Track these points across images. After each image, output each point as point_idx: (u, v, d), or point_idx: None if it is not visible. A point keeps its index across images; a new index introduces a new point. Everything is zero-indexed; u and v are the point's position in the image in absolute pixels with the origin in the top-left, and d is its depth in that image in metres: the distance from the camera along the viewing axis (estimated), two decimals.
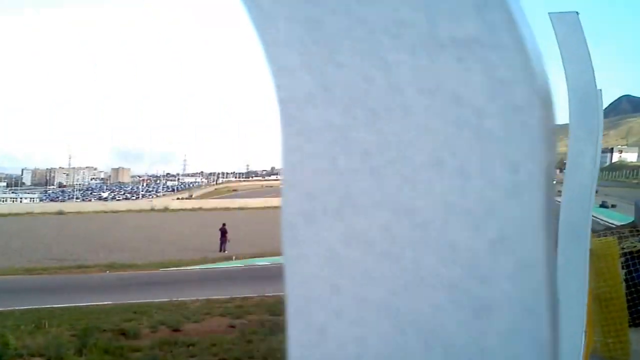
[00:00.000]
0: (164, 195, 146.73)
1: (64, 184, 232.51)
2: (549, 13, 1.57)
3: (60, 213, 79.91)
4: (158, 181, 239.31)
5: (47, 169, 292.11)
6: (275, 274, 32.10)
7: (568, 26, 1.56)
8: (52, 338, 16.64)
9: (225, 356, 15.41)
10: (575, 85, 1.58)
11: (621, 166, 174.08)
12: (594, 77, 1.57)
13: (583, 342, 1.56)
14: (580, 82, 1.57)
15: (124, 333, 17.95)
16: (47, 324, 18.56)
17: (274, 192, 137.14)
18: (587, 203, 1.56)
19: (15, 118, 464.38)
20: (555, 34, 1.57)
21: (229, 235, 41.30)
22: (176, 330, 18.73)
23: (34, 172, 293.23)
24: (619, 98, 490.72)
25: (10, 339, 16.04)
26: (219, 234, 41.67)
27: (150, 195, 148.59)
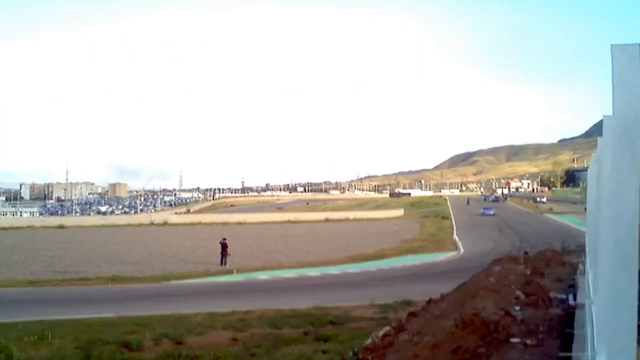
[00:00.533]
0: (162, 209, 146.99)
1: (62, 198, 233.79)
2: (611, 45, 1.67)
3: (61, 227, 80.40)
4: (155, 196, 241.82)
5: (45, 183, 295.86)
6: (276, 288, 32.34)
7: (628, 57, 1.66)
8: (55, 350, 16.73)
9: None
10: (621, 115, 1.65)
11: None
12: None
13: None
14: (627, 112, 1.65)
15: (127, 345, 18.02)
16: (50, 335, 18.62)
17: (270, 207, 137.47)
18: (632, 235, 1.63)
19: (13, 133, 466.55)
20: (612, 65, 1.67)
21: (229, 249, 41.35)
22: (179, 343, 18.79)
23: (32, 187, 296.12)
24: (602, 119, 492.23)
25: (14, 351, 16.07)
26: (219, 247, 41.74)
27: (148, 209, 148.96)
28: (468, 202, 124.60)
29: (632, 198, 1.65)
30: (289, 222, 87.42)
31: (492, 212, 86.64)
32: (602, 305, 3.11)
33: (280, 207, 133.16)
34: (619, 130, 1.69)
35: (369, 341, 15.47)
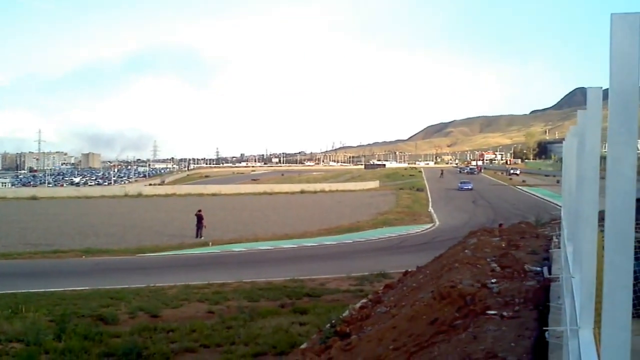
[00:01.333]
0: (136, 180, 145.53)
1: (35, 168, 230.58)
2: (611, 14, 1.60)
3: (34, 198, 79.57)
4: (129, 167, 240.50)
5: (17, 153, 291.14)
6: (251, 260, 32.36)
7: (628, 27, 1.60)
8: (30, 323, 16.53)
9: (205, 342, 15.47)
10: (618, 88, 1.59)
11: None
12: (638, 81, 1.58)
13: None
14: (624, 85, 1.59)
15: (102, 319, 17.96)
16: (24, 309, 18.47)
17: (245, 178, 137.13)
18: (630, 210, 1.58)
19: None
20: (611, 35, 1.61)
21: (205, 221, 41.21)
22: (155, 316, 18.77)
23: (4, 157, 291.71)
24: (573, 90, 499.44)
25: None
26: (194, 219, 41.57)
27: (122, 180, 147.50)
28: (442, 174, 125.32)
29: (629, 174, 1.63)
30: (265, 193, 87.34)
31: (469, 187, 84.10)
32: (588, 281, 3.15)
33: (255, 179, 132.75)
34: (616, 103, 1.64)
35: (346, 313, 15.57)
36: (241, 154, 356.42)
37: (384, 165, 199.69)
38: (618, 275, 1.64)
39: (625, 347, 1.65)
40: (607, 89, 1.85)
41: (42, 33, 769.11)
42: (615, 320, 1.64)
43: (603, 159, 2.93)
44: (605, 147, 1.99)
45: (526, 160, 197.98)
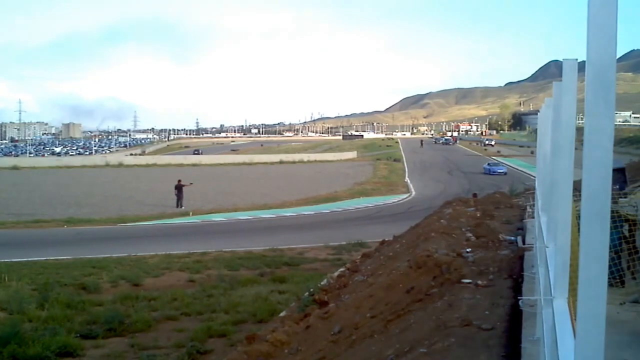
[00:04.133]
0: (116, 150, 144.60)
1: (16, 138, 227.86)
2: None
3: (15, 168, 79.53)
4: (110, 137, 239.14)
5: None
6: (231, 230, 32.52)
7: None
8: (13, 292, 16.61)
9: (186, 310, 15.68)
10: (595, 59, 1.60)
11: None
12: (616, 50, 1.62)
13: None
14: (601, 56, 1.64)
15: (84, 287, 18.10)
16: (7, 278, 18.50)
17: (224, 149, 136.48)
18: (607, 181, 1.63)
19: None
20: (589, 6, 1.63)
21: (184, 191, 41.18)
22: (136, 285, 18.94)
23: None
24: (547, 63, 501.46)
25: None
26: (174, 190, 41.53)
27: (103, 150, 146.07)
28: (422, 144, 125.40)
29: (607, 145, 1.63)
30: (244, 164, 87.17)
31: (502, 171, 61.50)
32: (563, 250, 3.22)
33: (235, 149, 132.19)
34: (593, 74, 1.64)
35: (324, 282, 15.84)
36: (221, 125, 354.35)
37: (362, 136, 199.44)
38: (594, 245, 1.65)
39: (601, 316, 1.65)
40: (583, 61, 1.83)
41: (21, 2, 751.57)
42: (591, 290, 1.65)
43: (578, 130, 3.09)
44: (580, 119, 2.06)
45: (501, 132, 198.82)
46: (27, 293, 16.86)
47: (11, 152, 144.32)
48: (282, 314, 13.61)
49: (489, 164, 67.95)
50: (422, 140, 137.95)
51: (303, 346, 9.75)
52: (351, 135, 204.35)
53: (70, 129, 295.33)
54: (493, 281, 8.13)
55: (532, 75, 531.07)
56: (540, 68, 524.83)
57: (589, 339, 1.67)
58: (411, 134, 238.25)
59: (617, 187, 9.08)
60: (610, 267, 7.13)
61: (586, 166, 1.66)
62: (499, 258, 9.53)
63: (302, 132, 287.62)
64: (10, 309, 15.03)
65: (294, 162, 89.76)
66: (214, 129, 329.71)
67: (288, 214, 38.36)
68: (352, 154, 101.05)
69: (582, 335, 1.68)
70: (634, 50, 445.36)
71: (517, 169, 65.77)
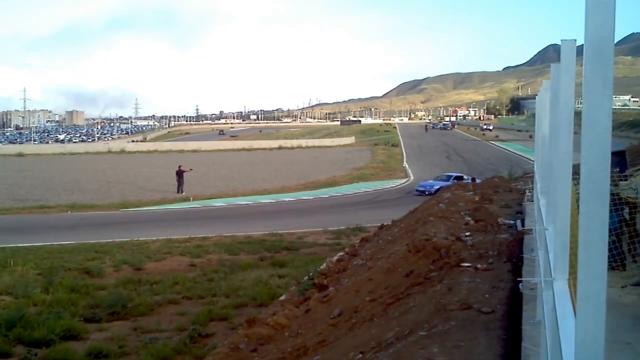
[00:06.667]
0: (119, 137, 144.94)
1: (21, 126, 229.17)
2: None
3: (21, 155, 79.98)
4: (112, 124, 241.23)
5: (3, 111, 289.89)
6: (231, 215, 32.61)
7: None
8: (18, 276, 16.91)
9: (188, 294, 15.86)
10: (593, 37, 1.64)
11: None
12: (614, 29, 1.64)
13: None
14: (600, 33, 1.64)
15: (88, 272, 18.31)
16: (12, 262, 18.74)
17: (224, 135, 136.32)
18: (606, 159, 1.65)
19: None
20: None
21: (185, 177, 41.24)
22: (138, 269, 19.14)
23: None
24: (546, 47, 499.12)
25: None
26: (175, 175, 41.61)
27: (105, 137, 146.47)
28: (426, 129, 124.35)
29: (605, 124, 1.62)
30: (243, 149, 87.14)
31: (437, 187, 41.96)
32: (562, 232, 3.23)
33: (234, 135, 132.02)
34: (591, 52, 1.62)
35: (323, 266, 15.95)
36: (220, 111, 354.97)
37: (360, 121, 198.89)
38: (593, 225, 1.64)
39: (601, 297, 1.64)
40: (582, 44, 1.82)
41: None
42: (591, 271, 1.64)
43: (576, 115, 3.01)
44: (579, 102, 2.09)
45: (499, 116, 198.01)
46: (32, 277, 17.17)
47: (16, 139, 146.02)
48: (282, 298, 13.76)
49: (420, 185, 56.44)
50: (426, 125, 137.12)
51: (303, 329, 9.87)
52: (349, 120, 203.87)
53: (73, 116, 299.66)
54: (492, 264, 8.16)
55: (531, 59, 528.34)
56: (539, 52, 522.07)
57: (589, 318, 1.67)
58: (409, 119, 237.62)
59: (618, 169, 9.08)
60: (611, 250, 7.05)
61: (585, 144, 1.66)
62: (498, 241, 9.56)
63: (300, 118, 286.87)
64: (16, 293, 15.29)
65: (292, 148, 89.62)
66: (214, 116, 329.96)
67: (287, 199, 38.43)
68: (350, 140, 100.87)
69: (582, 314, 1.68)
70: (633, 33, 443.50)
71: (516, 153, 65.81)
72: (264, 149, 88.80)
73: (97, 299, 14.96)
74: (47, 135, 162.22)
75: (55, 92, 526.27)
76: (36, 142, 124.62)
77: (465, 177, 39.17)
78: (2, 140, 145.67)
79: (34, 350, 11.55)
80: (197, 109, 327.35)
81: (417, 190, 38.04)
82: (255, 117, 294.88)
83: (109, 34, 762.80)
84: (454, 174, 41.06)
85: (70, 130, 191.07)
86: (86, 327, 13.01)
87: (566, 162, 3.32)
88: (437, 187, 35.45)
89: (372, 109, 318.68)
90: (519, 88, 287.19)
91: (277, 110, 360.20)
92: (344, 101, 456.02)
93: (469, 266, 8.21)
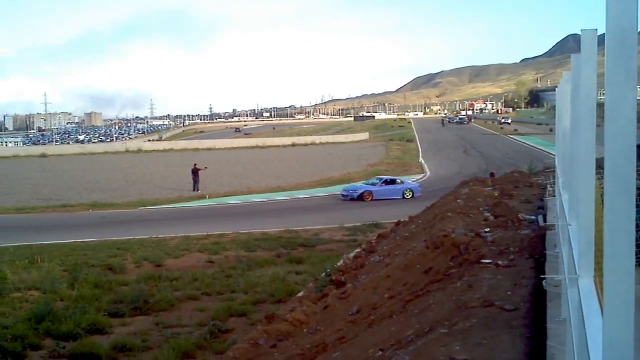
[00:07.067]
0: (135, 137, 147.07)
1: (43, 128, 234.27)
2: None
3: (43, 155, 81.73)
4: (129, 124, 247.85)
5: (26, 114, 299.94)
6: (247, 212, 32.75)
7: None
8: (45, 272, 17.40)
9: (207, 290, 16.03)
10: (615, 26, 1.58)
11: None
12: (637, 17, 1.58)
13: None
14: (622, 22, 1.59)
15: (110, 268, 18.72)
16: (39, 259, 19.32)
17: (238, 133, 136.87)
18: (631, 151, 1.59)
19: None
20: None
21: (200, 175, 41.44)
22: (158, 265, 19.46)
23: (15, 118, 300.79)
24: (565, 37, 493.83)
25: (8, 274, 16.65)
26: (191, 174, 41.85)
27: (122, 137, 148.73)
28: (443, 123, 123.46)
29: (629, 117, 1.57)
30: (257, 147, 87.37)
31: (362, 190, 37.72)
32: (586, 227, 3.16)
33: (248, 133, 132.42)
34: (613, 41, 1.57)
35: (340, 262, 15.93)
36: (233, 110, 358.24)
37: (373, 117, 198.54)
38: (619, 220, 1.59)
39: (629, 295, 1.59)
40: (603, 34, 1.76)
41: (42, 3, 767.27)
42: (617, 268, 1.60)
43: (599, 106, 2.91)
44: (601, 94, 2.02)
45: (517, 109, 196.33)
46: (58, 273, 17.61)
47: (39, 140, 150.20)
48: (299, 294, 13.78)
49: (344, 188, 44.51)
50: (443, 119, 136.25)
51: (322, 326, 9.86)
52: (362, 116, 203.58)
53: (92, 117, 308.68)
54: (514, 261, 8.01)
55: (549, 50, 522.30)
56: (558, 42, 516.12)
57: (617, 316, 1.62)
58: (423, 113, 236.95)
59: None
60: (638, 246, 6.91)
61: (608, 138, 1.60)
62: (519, 238, 9.38)
63: (313, 114, 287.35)
64: (44, 288, 15.77)
65: (306, 145, 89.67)
66: (227, 114, 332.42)
67: (302, 196, 38.48)
68: (364, 135, 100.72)
69: (609, 313, 1.64)
70: None
71: (535, 147, 65.14)
72: (278, 146, 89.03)
73: (120, 295, 15.30)
74: (68, 136, 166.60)
75: (74, 95, 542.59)
76: (58, 143, 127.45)
77: (398, 179, 37.78)
78: (26, 141, 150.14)
79: (62, 343, 11.81)
80: (210, 108, 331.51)
81: (342, 195, 36.10)
82: (268, 114, 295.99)
83: (124, 39, 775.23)
84: (385, 178, 38.85)
85: (89, 131, 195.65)
86: (110, 321, 13.32)
87: (589, 155, 3.24)
88: (361, 191, 34.96)
89: (386, 104, 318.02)
90: (537, 80, 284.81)
91: (290, 107, 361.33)
92: (357, 97, 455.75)
93: (489, 263, 8.05)
